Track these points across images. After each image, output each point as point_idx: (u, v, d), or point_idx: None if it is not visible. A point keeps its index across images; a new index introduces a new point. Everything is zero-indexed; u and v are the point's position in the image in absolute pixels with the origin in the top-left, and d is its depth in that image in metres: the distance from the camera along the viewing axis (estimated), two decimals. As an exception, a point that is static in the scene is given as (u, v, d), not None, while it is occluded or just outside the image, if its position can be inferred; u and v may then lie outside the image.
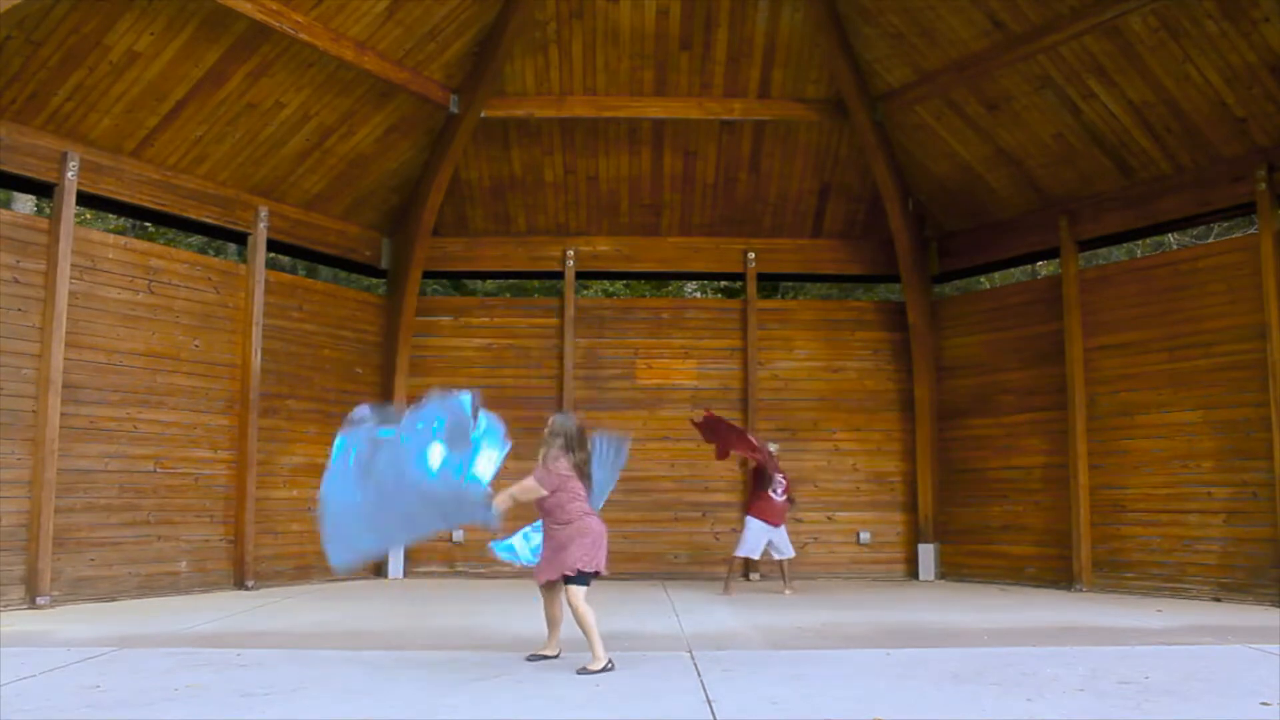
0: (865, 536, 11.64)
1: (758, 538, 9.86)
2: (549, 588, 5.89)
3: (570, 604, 5.64)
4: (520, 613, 7.64)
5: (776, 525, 9.90)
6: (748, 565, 11.46)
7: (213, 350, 9.84)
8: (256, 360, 10.07)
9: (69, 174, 8.56)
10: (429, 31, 10.20)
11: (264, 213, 10.34)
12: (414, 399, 11.55)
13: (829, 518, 11.71)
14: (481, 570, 11.48)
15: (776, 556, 10.06)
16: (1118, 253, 14.06)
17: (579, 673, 5.43)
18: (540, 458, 5.81)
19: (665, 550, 11.41)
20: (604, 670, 5.46)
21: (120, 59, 8.50)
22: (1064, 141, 10.10)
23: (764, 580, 11.27)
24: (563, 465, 5.73)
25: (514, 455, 12.13)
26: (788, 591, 9.93)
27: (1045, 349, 10.65)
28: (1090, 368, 10.20)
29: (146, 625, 7.28)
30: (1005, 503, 10.95)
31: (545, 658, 5.89)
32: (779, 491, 9.91)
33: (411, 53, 10.27)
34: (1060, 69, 9.49)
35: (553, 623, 5.97)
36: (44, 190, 8.80)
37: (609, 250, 12.30)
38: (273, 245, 10.58)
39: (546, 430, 5.85)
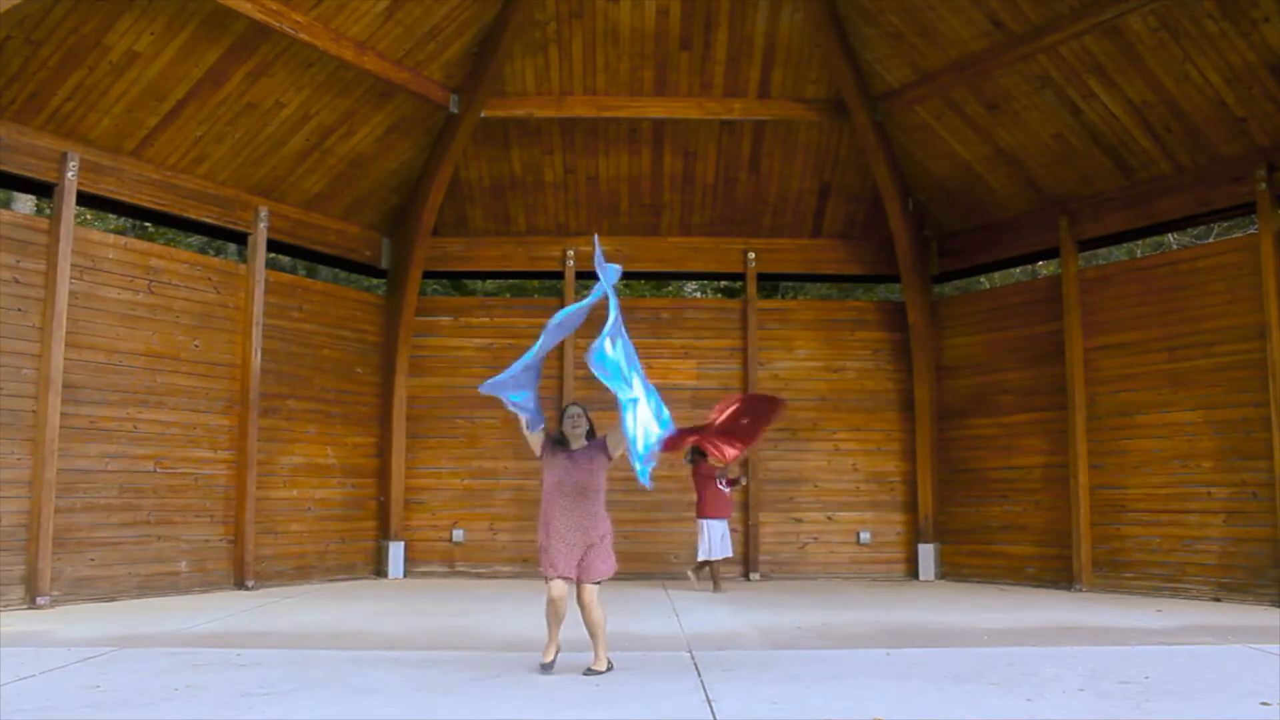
0: (865, 536, 11.64)
1: (713, 537, 10.01)
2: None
3: (589, 604, 5.56)
4: (518, 613, 7.64)
5: (724, 519, 10.04)
6: (746, 565, 11.48)
7: (213, 350, 9.84)
8: (256, 360, 10.07)
9: (69, 174, 8.56)
10: (429, 31, 10.20)
11: (264, 213, 10.34)
12: (415, 398, 11.59)
13: (829, 518, 11.71)
14: (481, 570, 11.49)
15: (719, 555, 10.12)
16: (1118, 253, 14.06)
17: (585, 674, 5.44)
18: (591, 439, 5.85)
19: (665, 550, 11.41)
20: (608, 670, 5.48)
21: (120, 59, 8.50)
22: (1064, 141, 10.10)
23: (764, 580, 11.27)
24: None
25: (515, 456, 12.07)
26: (709, 589, 10.05)
27: (1045, 349, 10.66)
28: (1090, 368, 10.20)
29: (146, 625, 7.28)
30: (1005, 503, 10.95)
31: (553, 664, 5.60)
32: (723, 483, 10.15)
33: (411, 53, 10.27)
34: (1060, 69, 9.49)
35: (559, 620, 5.64)
36: (44, 190, 8.81)
37: (609, 250, 12.05)
38: (273, 245, 10.58)
39: (579, 413, 5.89)
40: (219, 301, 9.96)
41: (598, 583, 5.62)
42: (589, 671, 5.44)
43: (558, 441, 5.82)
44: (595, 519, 5.63)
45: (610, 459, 5.78)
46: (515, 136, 11.47)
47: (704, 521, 10.06)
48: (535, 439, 5.80)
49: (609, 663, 5.54)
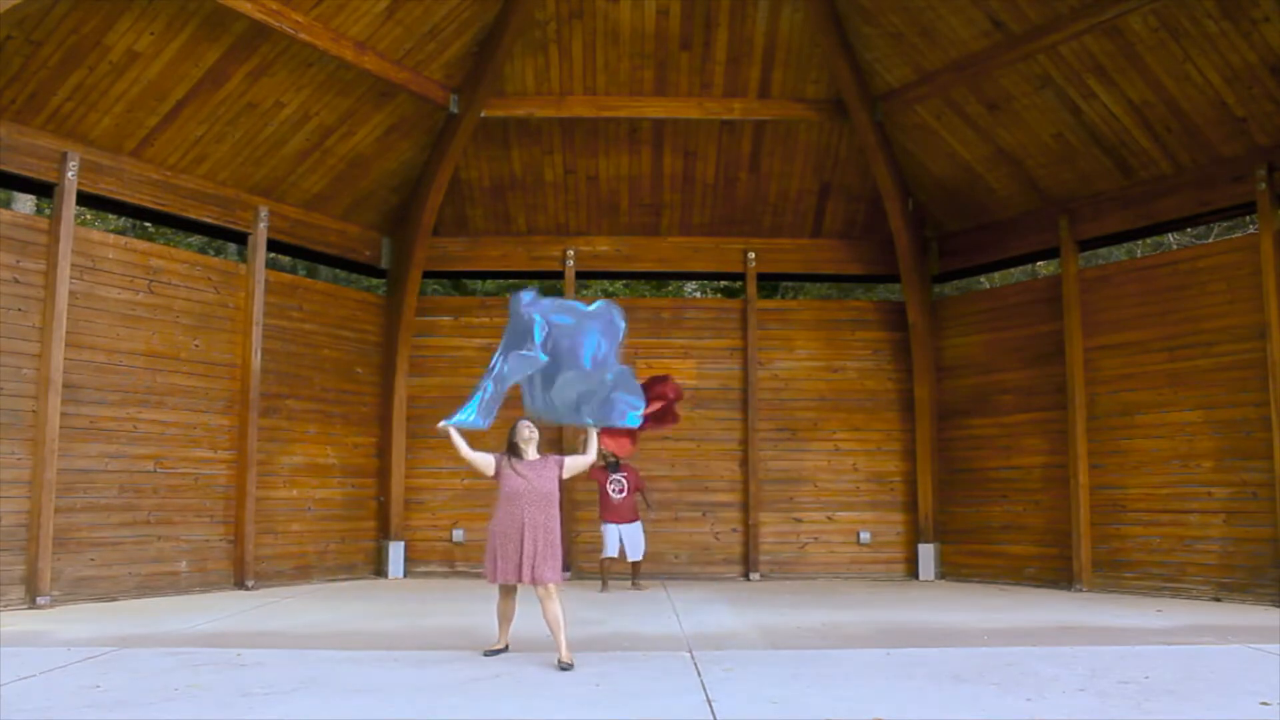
0: (865, 536, 11.64)
1: (610, 538, 10.01)
2: (511, 588, 6.10)
3: (553, 603, 5.82)
4: (518, 612, 7.62)
5: (619, 523, 10.01)
6: (746, 565, 11.48)
7: (213, 350, 9.84)
8: (256, 360, 10.07)
9: (69, 174, 8.56)
10: (429, 31, 10.20)
11: (264, 213, 10.34)
12: (416, 398, 11.59)
13: (829, 518, 11.71)
14: (481, 570, 11.45)
15: (629, 557, 10.08)
16: (1118, 253, 14.06)
17: (559, 668, 5.55)
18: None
19: (665, 550, 11.40)
20: (571, 666, 5.60)
21: (120, 59, 8.50)
22: (1064, 141, 10.10)
23: (764, 580, 11.28)
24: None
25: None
26: (634, 588, 10.10)
27: (1045, 349, 10.65)
28: (1090, 368, 10.20)
29: (146, 625, 7.28)
30: (1005, 503, 10.95)
31: (501, 652, 6.09)
32: (616, 490, 10.06)
33: (411, 53, 10.27)
34: (1060, 69, 9.49)
35: (508, 619, 6.20)
36: (44, 190, 8.81)
37: (609, 250, 12.30)
38: (273, 245, 10.58)
39: (530, 423, 6.28)
40: (219, 301, 9.96)
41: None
42: (561, 666, 5.59)
43: (510, 454, 6.16)
44: (550, 528, 5.98)
45: (562, 476, 6.18)
46: (515, 136, 11.47)
47: (602, 524, 10.12)
48: (484, 461, 6.14)
49: (571, 658, 5.66)
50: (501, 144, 11.51)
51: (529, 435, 6.18)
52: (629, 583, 10.19)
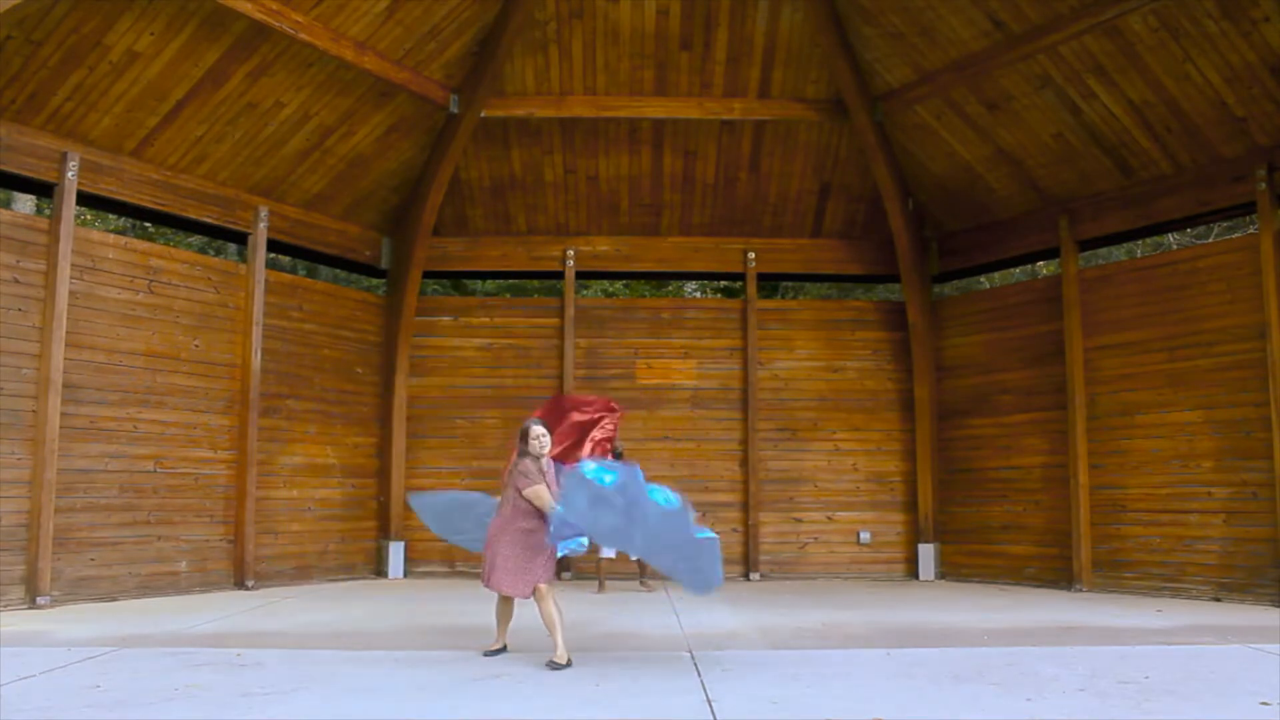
0: (865, 536, 11.64)
1: None
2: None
3: (547, 603, 5.84)
4: (518, 613, 7.62)
5: None
6: (746, 565, 11.48)
7: (213, 350, 9.84)
8: (256, 360, 10.07)
9: (69, 174, 8.56)
10: (429, 31, 10.20)
11: (264, 213, 10.34)
12: (416, 407, 11.59)
13: (829, 518, 11.71)
14: (480, 570, 11.46)
15: (604, 555, 9.71)
16: (1118, 253, 14.06)
17: (548, 666, 5.58)
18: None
19: (665, 550, 11.39)
20: (568, 665, 5.60)
21: (120, 59, 8.51)
22: (1064, 141, 10.10)
23: (764, 580, 11.28)
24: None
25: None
26: (643, 588, 9.94)
27: (1045, 349, 10.66)
28: (1090, 368, 10.20)
29: (146, 625, 7.28)
30: (1005, 503, 10.95)
31: (500, 652, 6.12)
32: None
33: (411, 53, 10.27)
34: (1060, 69, 9.49)
35: (506, 619, 6.24)
36: (44, 190, 8.81)
37: (609, 250, 12.30)
38: (273, 245, 10.58)
39: (544, 431, 6.17)
40: (219, 301, 9.96)
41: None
42: (550, 664, 5.60)
43: (532, 462, 6.04)
44: (540, 524, 5.99)
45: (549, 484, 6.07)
46: (515, 136, 11.47)
47: None
48: (542, 489, 5.96)
49: (568, 657, 5.66)
50: (501, 144, 11.51)
51: (542, 448, 6.05)
52: (636, 583, 10.14)
